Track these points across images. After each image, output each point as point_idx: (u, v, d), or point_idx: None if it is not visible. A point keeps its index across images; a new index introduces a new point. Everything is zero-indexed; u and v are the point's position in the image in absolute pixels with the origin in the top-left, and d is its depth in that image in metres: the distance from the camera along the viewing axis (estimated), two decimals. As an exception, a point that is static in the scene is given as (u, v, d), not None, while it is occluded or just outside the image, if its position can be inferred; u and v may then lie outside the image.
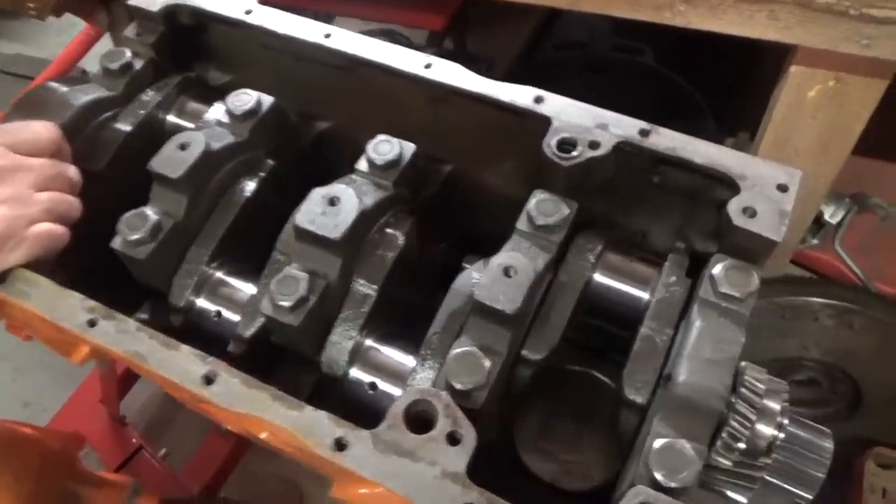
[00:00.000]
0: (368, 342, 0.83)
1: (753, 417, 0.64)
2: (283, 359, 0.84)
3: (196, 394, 0.68)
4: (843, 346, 1.78)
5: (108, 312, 0.74)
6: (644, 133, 0.80)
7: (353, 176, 0.85)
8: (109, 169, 0.95)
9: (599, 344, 0.85)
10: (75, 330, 0.72)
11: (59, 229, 0.82)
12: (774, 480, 0.70)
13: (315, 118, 1.06)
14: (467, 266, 1.12)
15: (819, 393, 1.96)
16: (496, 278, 0.72)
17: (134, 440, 1.91)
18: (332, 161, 1.11)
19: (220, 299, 0.88)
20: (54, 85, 0.97)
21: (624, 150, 0.80)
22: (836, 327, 1.74)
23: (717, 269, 0.72)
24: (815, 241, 1.83)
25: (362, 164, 0.86)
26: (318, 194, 0.79)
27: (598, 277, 0.81)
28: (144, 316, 0.91)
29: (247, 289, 0.88)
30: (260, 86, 1.06)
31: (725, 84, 2.14)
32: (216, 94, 1.03)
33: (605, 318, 0.82)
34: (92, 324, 0.73)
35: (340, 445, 0.63)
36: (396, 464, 0.62)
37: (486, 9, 1.87)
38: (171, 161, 0.84)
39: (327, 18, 2.03)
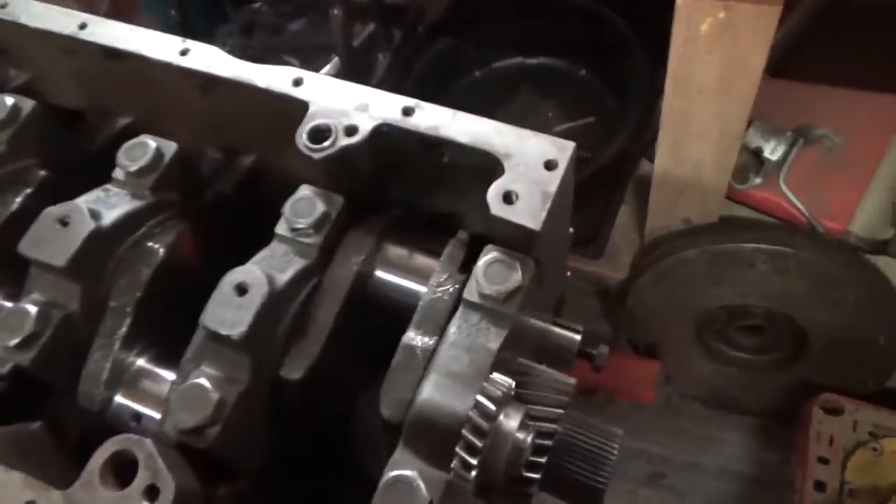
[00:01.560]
0: (138, 364, 0.75)
1: (486, 427, 0.55)
2: (53, 393, 0.77)
3: None
4: (782, 291, 1.68)
5: None
6: (407, 112, 0.70)
7: (108, 186, 0.77)
8: None
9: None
10: None
11: None
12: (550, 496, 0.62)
13: (113, 114, 0.96)
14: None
15: (766, 339, 1.88)
16: (226, 298, 0.63)
17: None
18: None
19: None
20: None
21: (385, 133, 0.70)
22: (772, 272, 1.64)
23: (480, 264, 0.63)
24: (758, 181, 1.72)
25: (118, 172, 0.77)
26: (48, 215, 0.71)
27: (372, 276, 0.72)
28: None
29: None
30: (53, 82, 0.97)
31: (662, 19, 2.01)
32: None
33: (384, 322, 0.73)
34: None
35: (30, 509, 0.57)
36: (86, 528, 0.55)
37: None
38: None
39: None
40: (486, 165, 0.69)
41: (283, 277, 0.66)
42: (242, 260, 0.70)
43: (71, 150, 0.91)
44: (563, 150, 0.65)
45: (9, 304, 0.79)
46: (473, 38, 2.26)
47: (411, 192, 0.79)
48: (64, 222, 0.70)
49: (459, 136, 0.67)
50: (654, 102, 1.66)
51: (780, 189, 1.66)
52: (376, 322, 0.74)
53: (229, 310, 0.63)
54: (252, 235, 0.92)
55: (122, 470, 0.58)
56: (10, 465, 0.62)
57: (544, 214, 0.61)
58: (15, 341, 0.67)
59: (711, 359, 1.93)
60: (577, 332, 0.84)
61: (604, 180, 1.89)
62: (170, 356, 0.75)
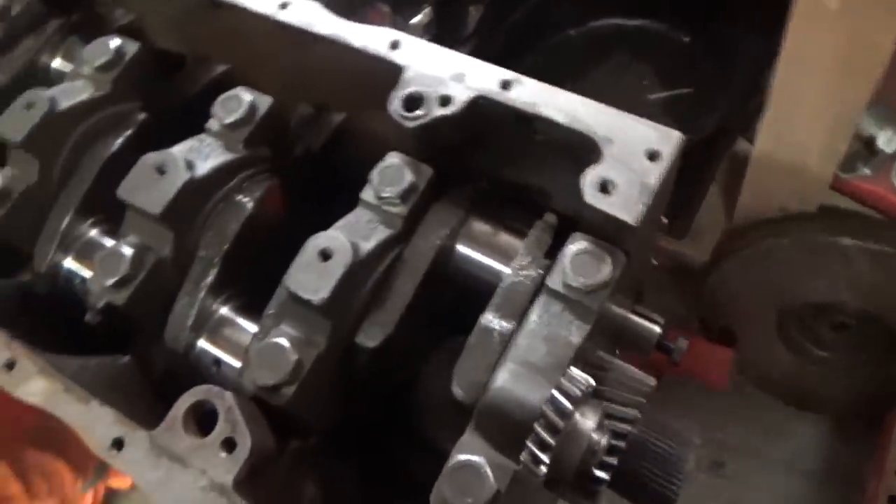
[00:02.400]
0: (221, 312, 0.77)
1: (561, 425, 0.54)
2: (141, 331, 0.81)
3: (-1, 379, 0.66)
4: (879, 291, 1.58)
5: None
6: (506, 85, 0.67)
7: (203, 136, 0.78)
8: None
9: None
10: None
11: None
12: (618, 496, 0.61)
13: (211, 61, 0.97)
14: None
15: (854, 338, 1.77)
16: (310, 262, 0.64)
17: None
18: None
19: (84, 261, 0.84)
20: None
21: (480, 105, 0.67)
22: (871, 271, 1.54)
23: (567, 253, 0.61)
24: (866, 171, 1.60)
25: (213, 123, 0.78)
26: (146, 161, 0.72)
27: (454, 251, 0.71)
28: (27, 278, 0.90)
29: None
30: (157, 25, 0.99)
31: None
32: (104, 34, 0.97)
33: (459, 296, 0.72)
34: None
35: (118, 445, 0.60)
36: (168, 470, 0.58)
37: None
38: (15, 123, 0.79)
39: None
40: (583, 147, 0.66)
41: (367, 246, 0.66)
42: (326, 219, 0.70)
43: (170, 95, 0.93)
44: (668, 139, 0.61)
45: (107, 243, 0.83)
46: (570, -5, 2.16)
47: (498, 164, 0.76)
48: (161, 170, 0.72)
49: (557, 115, 0.64)
50: (760, 78, 1.55)
51: (892, 183, 1.54)
52: (451, 295, 0.74)
53: (312, 275, 0.63)
54: (336, 193, 0.93)
55: (202, 417, 0.60)
56: (101, 396, 0.65)
57: (643, 209, 0.58)
58: (111, 281, 0.70)
59: (792, 352, 1.84)
60: (657, 323, 0.81)
61: (696, 157, 1.80)
62: (252, 307, 0.77)
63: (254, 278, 0.78)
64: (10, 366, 0.66)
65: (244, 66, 0.93)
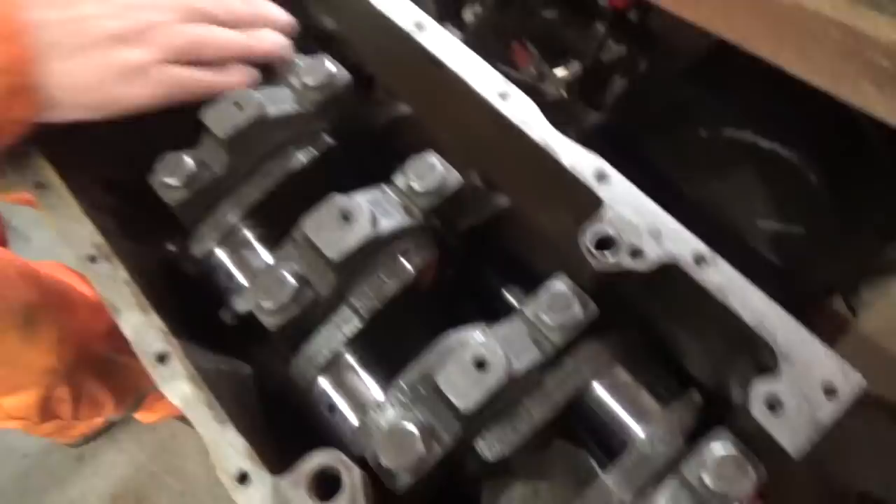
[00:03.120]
0: (347, 358, 0.80)
1: None
2: (269, 339, 0.84)
3: (146, 364, 0.69)
4: None
5: (110, 252, 0.76)
6: (699, 260, 0.68)
7: (385, 187, 0.80)
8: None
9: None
10: (77, 263, 0.75)
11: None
12: None
13: (398, 99, 1.00)
14: (507, 295, 1.05)
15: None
16: (465, 366, 0.66)
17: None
18: (402, 148, 1.07)
19: (236, 259, 0.88)
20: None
21: (670, 271, 0.68)
22: None
23: (709, 450, 0.62)
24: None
25: (399, 180, 0.80)
26: (335, 203, 0.75)
27: (591, 390, 0.72)
28: (172, 248, 0.94)
29: (265, 257, 0.88)
30: (361, 45, 1.02)
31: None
32: (318, 46, 1.00)
33: (585, 434, 0.74)
34: (92, 259, 0.76)
35: (242, 478, 0.63)
36: (281, 522, 0.60)
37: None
38: (221, 117, 0.83)
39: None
40: (754, 345, 0.67)
41: (519, 366, 0.67)
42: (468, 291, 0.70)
43: (354, 118, 0.96)
44: (849, 380, 0.61)
45: (259, 248, 0.86)
46: (715, 93, 2.14)
47: (658, 315, 0.78)
48: (346, 217, 0.74)
49: (744, 312, 0.65)
50: (885, 248, 1.51)
51: None
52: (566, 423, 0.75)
53: (465, 380, 0.65)
54: (479, 266, 0.95)
55: (325, 479, 0.62)
56: (227, 406, 0.68)
57: (808, 445, 0.58)
58: (267, 304, 0.73)
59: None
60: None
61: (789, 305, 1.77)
62: (382, 365, 0.79)
63: (392, 342, 0.81)
64: (162, 359, 0.69)
65: (436, 118, 0.95)
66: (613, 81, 2.23)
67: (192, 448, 2.52)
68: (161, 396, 0.66)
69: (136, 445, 2.58)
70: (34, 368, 1.39)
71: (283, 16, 0.95)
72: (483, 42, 2.30)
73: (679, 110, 2.18)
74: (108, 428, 2.57)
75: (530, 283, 1.04)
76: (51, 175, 0.81)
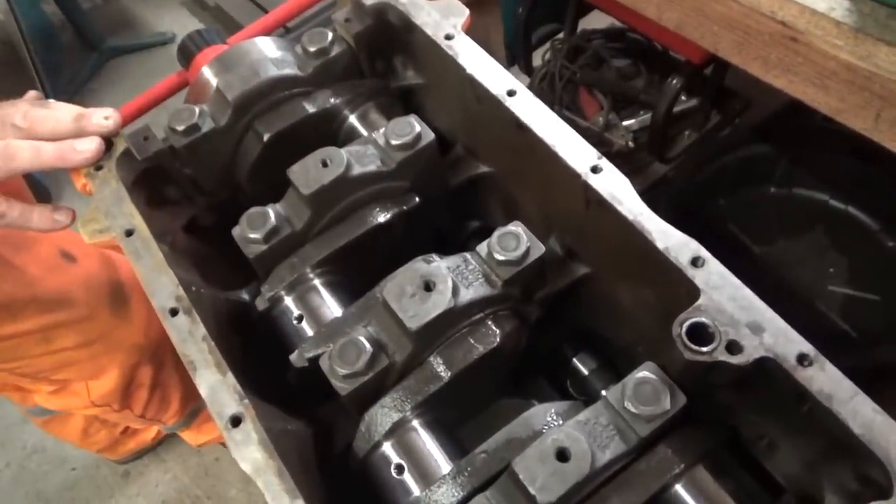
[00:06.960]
0: (415, 423, 0.78)
1: None
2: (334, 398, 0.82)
3: (220, 426, 0.68)
4: None
5: (189, 306, 0.76)
6: (803, 361, 0.64)
7: (468, 255, 0.79)
8: (276, 138, 0.97)
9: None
10: (158, 312, 0.76)
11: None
12: None
13: (478, 158, 0.99)
14: (578, 364, 1.02)
15: None
16: (546, 457, 0.63)
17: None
18: (480, 205, 1.06)
19: (305, 306, 0.88)
20: (256, 48, 1.00)
21: (769, 369, 0.64)
22: None
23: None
24: None
25: (482, 248, 0.79)
26: (416, 271, 0.74)
27: (672, 489, 0.68)
28: (245, 297, 0.94)
29: (335, 309, 0.87)
30: (443, 102, 1.02)
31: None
32: (400, 104, 1.01)
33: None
34: (173, 312, 0.76)
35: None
36: None
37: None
38: (307, 174, 0.83)
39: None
40: (856, 453, 0.62)
41: (602, 458, 0.64)
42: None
43: (434, 175, 0.95)
44: (972, 510, 0.56)
45: (328, 297, 0.86)
46: (789, 153, 2.08)
47: (745, 405, 0.73)
48: (428, 286, 0.73)
49: (852, 421, 0.60)
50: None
51: None
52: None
53: (546, 471, 0.62)
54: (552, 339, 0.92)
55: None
56: (294, 472, 0.67)
57: (924, 580, 0.53)
58: (343, 371, 0.72)
59: None
60: None
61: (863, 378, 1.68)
62: (445, 431, 0.77)
63: (462, 412, 0.79)
64: (236, 422, 0.68)
65: (518, 182, 0.94)
66: (682, 135, 2.19)
67: (235, 475, 2.53)
68: (210, 418, 0.66)
69: (181, 467, 2.61)
70: (124, 345, 1.51)
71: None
72: (551, 88, 2.31)
73: (749, 167, 2.12)
74: (155, 447, 2.60)
75: (602, 353, 1.01)
76: (139, 223, 0.82)
